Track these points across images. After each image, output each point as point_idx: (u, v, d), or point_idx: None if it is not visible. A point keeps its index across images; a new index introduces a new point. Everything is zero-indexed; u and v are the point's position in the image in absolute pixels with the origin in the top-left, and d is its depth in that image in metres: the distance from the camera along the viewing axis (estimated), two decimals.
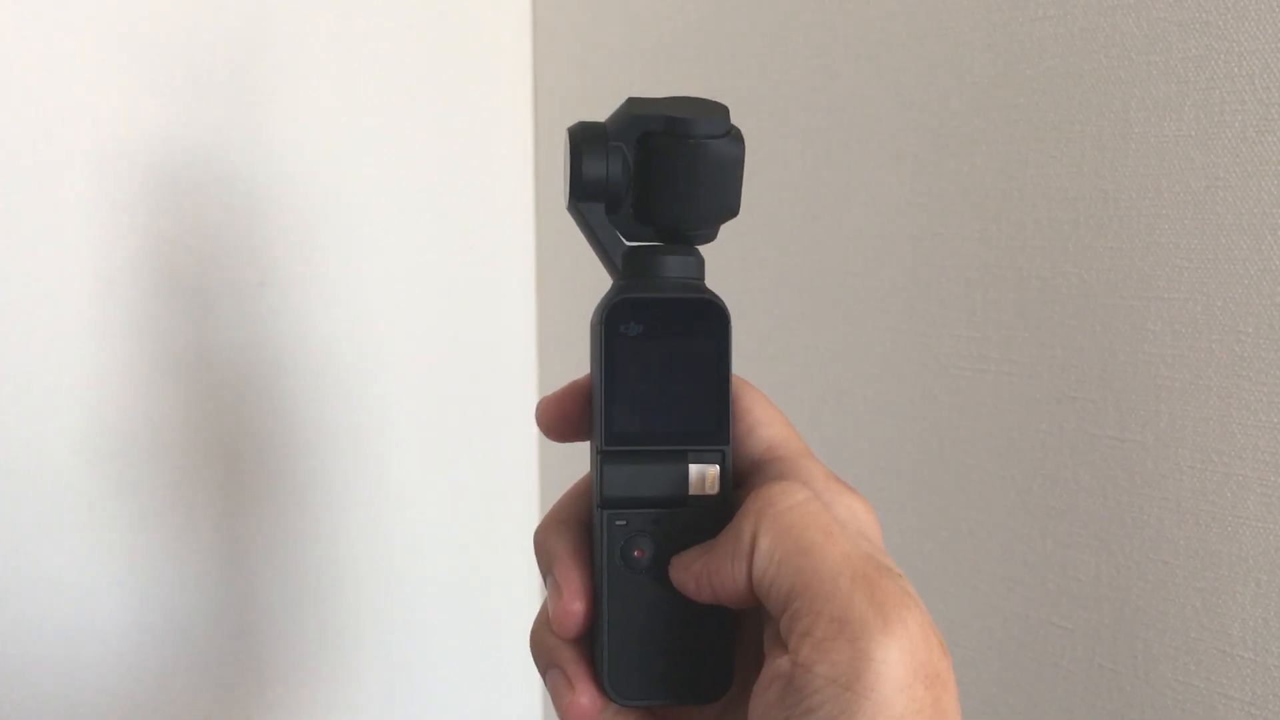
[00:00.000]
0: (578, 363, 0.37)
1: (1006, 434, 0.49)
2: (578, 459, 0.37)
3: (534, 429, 0.75)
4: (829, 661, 0.27)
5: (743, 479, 0.34)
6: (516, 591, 0.75)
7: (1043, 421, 0.48)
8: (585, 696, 0.33)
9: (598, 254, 0.35)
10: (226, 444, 0.60)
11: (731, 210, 0.34)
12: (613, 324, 0.33)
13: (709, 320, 0.33)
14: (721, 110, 0.34)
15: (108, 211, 0.54)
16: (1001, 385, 0.49)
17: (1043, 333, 0.47)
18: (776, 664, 0.29)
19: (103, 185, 0.54)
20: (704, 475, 0.33)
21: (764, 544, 0.30)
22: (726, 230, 0.39)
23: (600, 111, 0.36)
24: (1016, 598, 0.49)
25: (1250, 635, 0.41)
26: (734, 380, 0.34)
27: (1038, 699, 0.49)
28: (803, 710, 0.27)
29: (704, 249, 0.35)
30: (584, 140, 0.33)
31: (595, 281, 0.70)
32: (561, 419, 0.35)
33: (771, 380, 0.41)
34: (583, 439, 0.35)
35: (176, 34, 0.56)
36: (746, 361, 0.35)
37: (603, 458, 0.33)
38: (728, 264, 0.42)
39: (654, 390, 0.33)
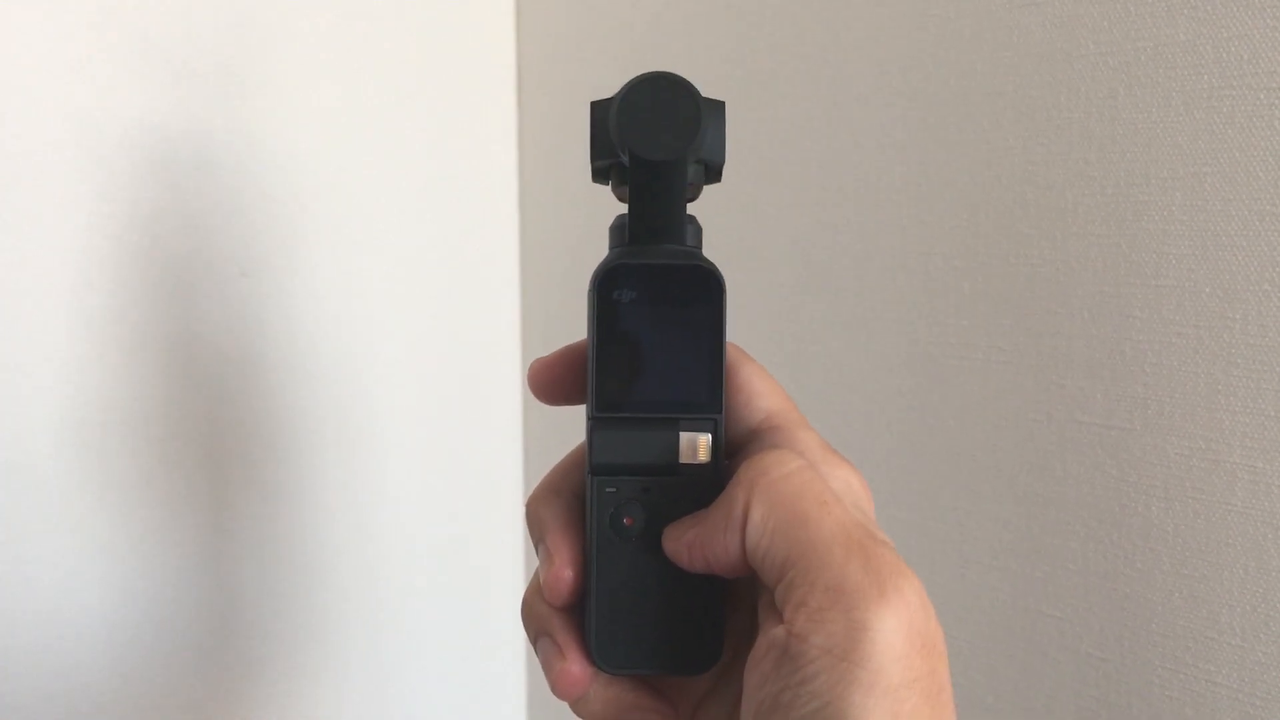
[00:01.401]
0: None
1: (993, 422, 0.49)
2: (563, 450, 0.37)
3: (519, 421, 0.75)
4: (825, 631, 0.27)
5: (739, 448, 0.34)
6: (501, 584, 0.74)
7: (1030, 409, 0.47)
8: (576, 665, 0.33)
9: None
10: (208, 437, 0.59)
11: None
12: (606, 290, 0.32)
13: (704, 288, 0.32)
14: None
15: (90, 200, 0.53)
16: (988, 373, 0.49)
17: (1030, 320, 0.47)
18: (772, 634, 0.28)
19: (84, 174, 0.53)
20: (695, 443, 0.32)
21: (757, 514, 0.30)
22: (712, 217, 0.39)
23: (587, 97, 0.35)
24: (1004, 586, 0.49)
25: (1238, 622, 0.41)
26: (732, 351, 0.34)
27: (1025, 687, 0.49)
28: (799, 680, 0.27)
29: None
30: None
31: (579, 273, 0.70)
32: (553, 382, 0.35)
33: None
34: (572, 403, 0.35)
35: (160, 23, 0.55)
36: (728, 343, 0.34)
37: (593, 424, 0.33)
38: (712, 253, 0.42)
39: (647, 357, 0.32)
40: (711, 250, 0.37)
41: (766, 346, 0.59)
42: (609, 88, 0.33)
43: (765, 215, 0.58)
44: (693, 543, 0.31)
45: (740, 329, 0.59)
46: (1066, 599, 0.47)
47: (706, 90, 0.33)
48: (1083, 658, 0.46)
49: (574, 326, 0.71)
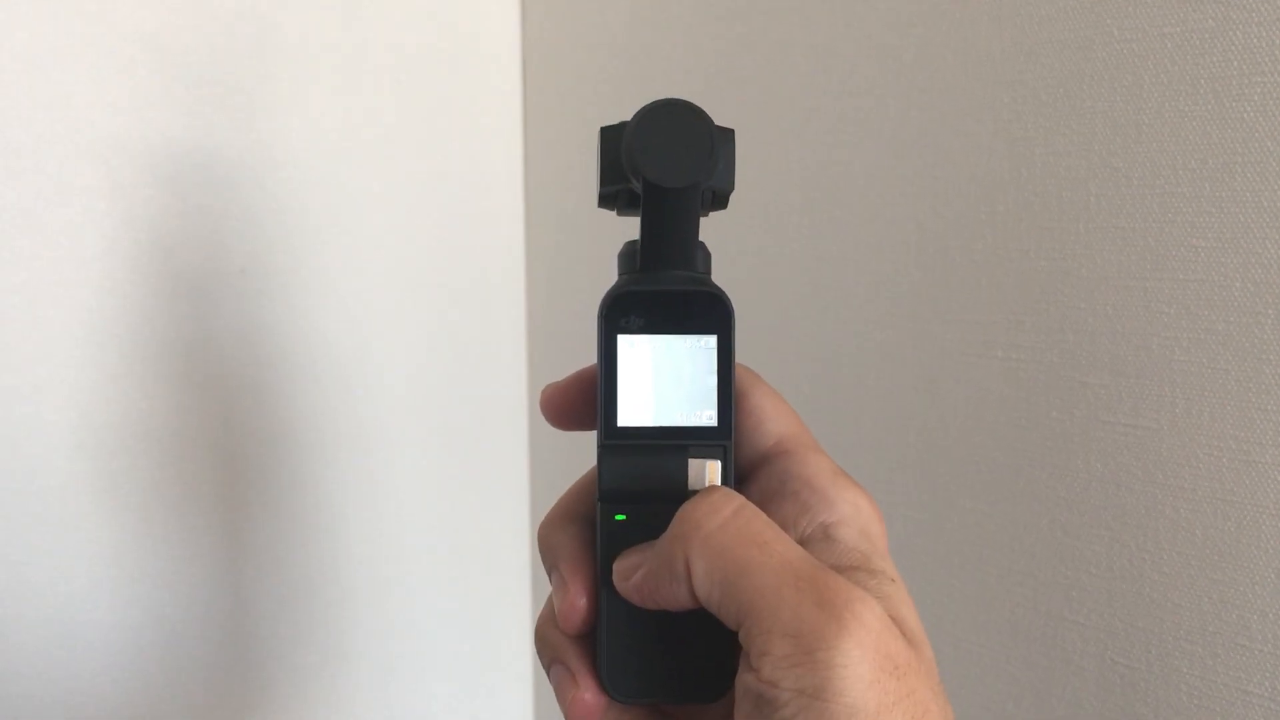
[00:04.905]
0: (568, 358, 0.36)
1: (1014, 422, 0.47)
2: (569, 455, 0.36)
3: (524, 424, 0.73)
4: (793, 676, 0.27)
5: (750, 473, 0.33)
6: (508, 590, 0.73)
7: (1051, 409, 0.46)
8: (589, 693, 0.32)
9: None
10: (216, 441, 0.58)
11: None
12: (614, 316, 0.32)
13: (711, 313, 0.32)
14: None
15: (82, 196, 0.52)
16: (1008, 371, 0.47)
17: (1051, 317, 0.46)
18: (744, 680, 0.28)
19: (79, 171, 0.52)
20: (704, 470, 0.32)
21: (699, 569, 0.29)
22: (721, 218, 0.37)
23: (587, 104, 0.34)
24: (1025, 592, 0.48)
25: (1270, 628, 0.40)
26: (743, 374, 0.34)
27: (1048, 696, 0.47)
28: None
29: (707, 239, 0.34)
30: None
31: (584, 274, 0.68)
32: (565, 408, 0.35)
33: (769, 369, 0.40)
34: (584, 428, 0.35)
35: (156, 23, 0.54)
36: (742, 349, 0.34)
37: (603, 451, 0.32)
38: (726, 248, 0.41)
39: (656, 384, 0.32)
40: (719, 252, 0.36)
41: (775, 347, 0.57)
42: (613, 99, 0.32)
43: (775, 212, 0.57)
44: (641, 587, 0.31)
45: (750, 330, 0.58)
46: (1090, 604, 0.45)
47: (713, 95, 0.32)
48: (1108, 665, 0.45)
49: (579, 333, 0.70)
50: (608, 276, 0.34)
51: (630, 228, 0.34)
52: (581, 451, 0.35)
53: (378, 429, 0.66)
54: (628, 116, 0.32)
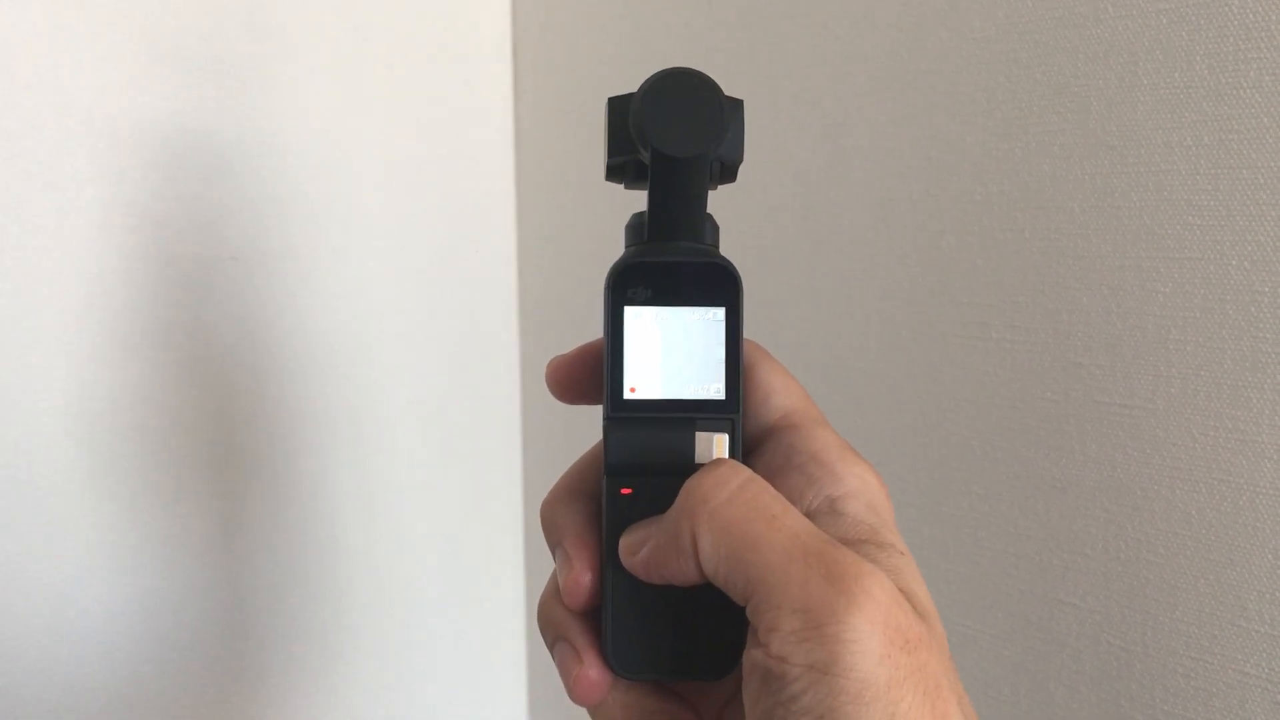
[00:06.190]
0: (561, 343, 0.36)
1: (1009, 404, 0.47)
2: (563, 445, 0.35)
3: (517, 412, 0.73)
4: (802, 651, 0.27)
5: (756, 446, 0.33)
6: (503, 581, 0.73)
7: (1047, 390, 0.46)
8: (593, 670, 0.32)
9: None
10: (203, 426, 0.57)
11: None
12: (621, 288, 0.32)
13: (720, 286, 0.32)
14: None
15: (72, 181, 0.52)
16: (1003, 353, 0.47)
17: (1046, 297, 0.45)
18: (752, 656, 0.28)
19: (68, 156, 0.52)
20: (711, 443, 0.32)
21: (706, 543, 0.29)
22: (718, 197, 0.37)
23: (583, 90, 0.34)
24: (1020, 574, 0.47)
25: (1267, 608, 0.40)
26: (750, 348, 0.33)
27: (1044, 679, 0.47)
28: (787, 697, 0.27)
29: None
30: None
31: (576, 260, 0.68)
32: (571, 381, 0.34)
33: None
34: (590, 402, 0.34)
35: (147, 5, 0.54)
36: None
37: (609, 424, 0.32)
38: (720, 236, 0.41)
39: (663, 356, 0.32)
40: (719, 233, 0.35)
41: (771, 331, 0.57)
42: (606, 84, 0.32)
43: (768, 196, 0.56)
44: (648, 562, 0.31)
45: (746, 313, 0.57)
46: (1086, 587, 0.45)
47: (711, 73, 0.32)
48: (1104, 647, 0.45)
49: (571, 318, 0.69)
50: (599, 260, 0.34)
51: (624, 205, 0.34)
52: (575, 442, 0.35)
53: (371, 416, 0.65)
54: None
